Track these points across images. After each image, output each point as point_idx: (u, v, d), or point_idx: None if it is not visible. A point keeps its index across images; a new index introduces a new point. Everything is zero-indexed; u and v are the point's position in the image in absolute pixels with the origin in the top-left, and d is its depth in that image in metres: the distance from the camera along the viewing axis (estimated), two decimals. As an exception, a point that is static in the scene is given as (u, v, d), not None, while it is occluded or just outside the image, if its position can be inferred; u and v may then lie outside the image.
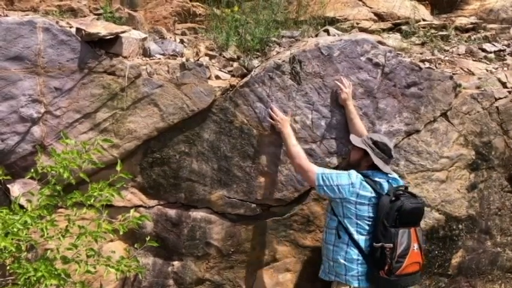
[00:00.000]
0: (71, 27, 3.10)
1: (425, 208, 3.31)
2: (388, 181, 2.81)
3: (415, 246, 2.69)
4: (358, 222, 2.74)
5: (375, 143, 2.85)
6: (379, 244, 2.64)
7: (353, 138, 2.98)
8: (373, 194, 2.73)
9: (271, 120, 3.11)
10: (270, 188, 3.19)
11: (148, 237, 2.94)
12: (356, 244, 2.74)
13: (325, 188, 2.76)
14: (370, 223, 2.73)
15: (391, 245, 2.62)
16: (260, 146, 3.16)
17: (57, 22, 3.08)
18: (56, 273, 2.32)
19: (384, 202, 2.67)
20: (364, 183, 2.74)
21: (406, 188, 2.88)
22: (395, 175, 2.98)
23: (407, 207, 2.64)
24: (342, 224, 2.77)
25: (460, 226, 3.44)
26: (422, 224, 3.28)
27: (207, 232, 3.19)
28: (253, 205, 3.20)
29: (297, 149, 2.93)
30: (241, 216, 3.22)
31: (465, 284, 3.52)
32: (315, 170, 2.82)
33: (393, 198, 2.68)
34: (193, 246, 3.19)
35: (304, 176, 2.94)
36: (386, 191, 2.73)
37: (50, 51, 2.92)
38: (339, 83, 3.15)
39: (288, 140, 2.97)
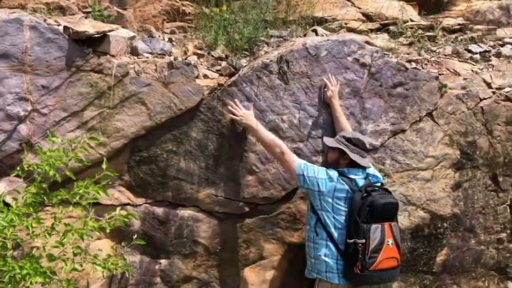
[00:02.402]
0: (59, 25, 3.09)
1: (411, 207, 3.38)
2: (366, 178, 2.85)
3: (389, 241, 2.72)
4: (336, 216, 2.78)
5: (348, 139, 2.89)
6: (352, 240, 2.67)
7: (326, 140, 3.03)
8: (349, 190, 2.77)
9: (234, 117, 3.07)
10: (258, 186, 3.22)
11: (136, 236, 2.95)
12: (333, 240, 2.77)
13: (304, 178, 2.81)
14: (345, 218, 2.76)
15: (363, 240, 2.65)
16: (248, 145, 3.18)
17: (44, 20, 3.08)
18: (41, 270, 2.33)
19: (356, 198, 2.72)
20: (341, 179, 2.79)
21: (382, 184, 2.91)
22: (376, 172, 3.02)
23: (378, 202, 2.68)
24: (321, 219, 2.80)
25: (444, 224, 3.49)
26: (407, 222, 3.35)
27: (195, 230, 3.20)
28: (241, 203, 3.22)
29: (272, 137, 2.95)
30: (229, 214, 3.23)
31: (449, 281, 3.57)
32: (296, 160, 2.88)
33: (364, 194, 2.72)
34: (181, 244, 3.20)
35: (284, 164, 2.95)
36: (359, 187, 2.78)
37: (37, 49, 2.92)
38: (326, 80, 3.18)
39: (260, 132, 2.96)
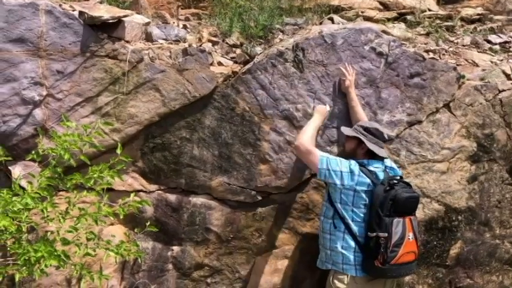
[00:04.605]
0: (73, 10, 3.09)
1: (425, 199, 3.34)
2: (384, 170, 2.81)
3: (410, 235, 2.69)
4: (354, 209, 2.74)
5: (366, 129, 2.85)
6: (374, 234, 2.64)
7: (344, 129, 2.98)
8: (370, 183, 2.73)
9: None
10: (271, 175, 3.20)
11: (148, 222, 2.97)
12: (352, 232, 2.75)
13: (327, 171, 2.76)
14: (365, 211, 2.73)
15: (386, 234, 2.62)
16: (261, 134, 3.16)
17: (60, 5, 3.07)
18: (56, 253, 2.34)
19: (379, 191, 2.67)
20: (362, 172, 2.75)
21: (401, 177, 2.87)
22: (393, 164, 2.98)
23: (401, 196, 2.64)
24: (338, 212, 2.77)
25: (459, 217, 3.44)
26: (421, 214, 3.31)
27: (207, 218, 3.20)
28: (253, 192, 3.21)
29: (313, 131, 2.96)
30: (241, 203, 3.23)
31: (463, 275, 3.53)
32: (318, 153, 2.82)
33: (387, 188, 2.68)
34: (193, 231, 3.21)
35: (305, 157, 2.88)
36: (381, 180, 2.73)
37: (52, 34, 2.91)
38: (343, 69, 3.14)
39: (313, 124, 3.01)
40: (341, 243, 2.76)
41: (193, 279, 3.26)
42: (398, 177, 2.81)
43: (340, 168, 2.75)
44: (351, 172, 2.74)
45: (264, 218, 3.25)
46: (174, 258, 3.22)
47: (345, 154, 3.02)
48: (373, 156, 2.83)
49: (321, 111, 3.08)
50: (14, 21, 2.84)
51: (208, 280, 3.28)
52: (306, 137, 2.89)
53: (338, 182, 2.74)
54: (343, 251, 2.75)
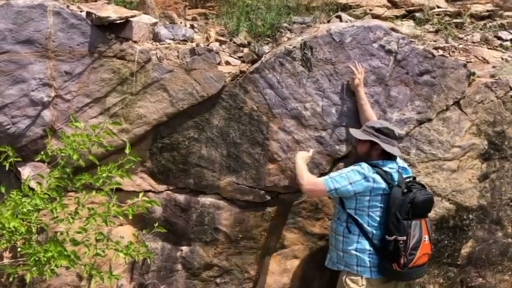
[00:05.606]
0: (81, 11, 3.09)
1: (436, 197, 3.30)
2: (397, 171, 2.77)
3: (425, 237, 2.68)
4: (370, 213, 2.71)
5: (378, 130, 2.79)
6: (393, 237, 2.61)
7: (354, 132, 2.92)
8: (385, 185, 2.70)
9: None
10: (279, 175, 3.18)
11: (157, 222, 2.97)
12: (367, 236, 2.72)
13: (337, 190, 2.70)
14: (381, 214, 2.70)
15: (404, 237, 2.59)
16: (269, 133, 3.14)
17: (67, 6, 3.08)
18: (66, 254, 2.35)
19: (396, 194, 2.63)
20: (376, 174, 2.70)
21: (415, 178, 2.84)
22: (404, 164, 2.95)
23: (419, 199, 2.61)
24: (352, 216, 2.74)
25: (470, 216, 3.41)
26: (432, 213, 3.26)
27: (216, 218, 3.20)
28: (262, 192, 3.19)
29: (305, 169, 2.87)
30: (250, 202, 3.21)
31: (474, 274, 3.49)
32: (321, 180, 2.76)
33: (405, 190, 2.64)
34: (202, 231, 3.20)
35: (313, 192, 2.82)
36: (397, 182, 2.70)
37: (60, 35, 2.92)
38: (352, 67, 3.11)
39: (300, 162, 2.91)
40: (355, 245, 2.73)
41: (202, 280, 3.25)
42: (412, 179, 2.78)
43: (349, 181, 2.69)
44: (364, 178, 2.69)
45: (273, 218, 3.23)
46: (183, 258, 3.22)
47: (357, 157, 2.98)
48: (387, 156, 2.79)
49: (303, 156, 2.98)
50: (23, 23, 2.85)
51: (218, 280, 3.27)
52: (306, 176, 2.81)
53: (351, 190, 2.69)
54: (358, 254, 2.72)
